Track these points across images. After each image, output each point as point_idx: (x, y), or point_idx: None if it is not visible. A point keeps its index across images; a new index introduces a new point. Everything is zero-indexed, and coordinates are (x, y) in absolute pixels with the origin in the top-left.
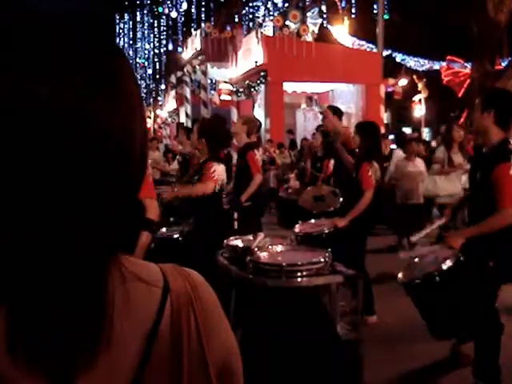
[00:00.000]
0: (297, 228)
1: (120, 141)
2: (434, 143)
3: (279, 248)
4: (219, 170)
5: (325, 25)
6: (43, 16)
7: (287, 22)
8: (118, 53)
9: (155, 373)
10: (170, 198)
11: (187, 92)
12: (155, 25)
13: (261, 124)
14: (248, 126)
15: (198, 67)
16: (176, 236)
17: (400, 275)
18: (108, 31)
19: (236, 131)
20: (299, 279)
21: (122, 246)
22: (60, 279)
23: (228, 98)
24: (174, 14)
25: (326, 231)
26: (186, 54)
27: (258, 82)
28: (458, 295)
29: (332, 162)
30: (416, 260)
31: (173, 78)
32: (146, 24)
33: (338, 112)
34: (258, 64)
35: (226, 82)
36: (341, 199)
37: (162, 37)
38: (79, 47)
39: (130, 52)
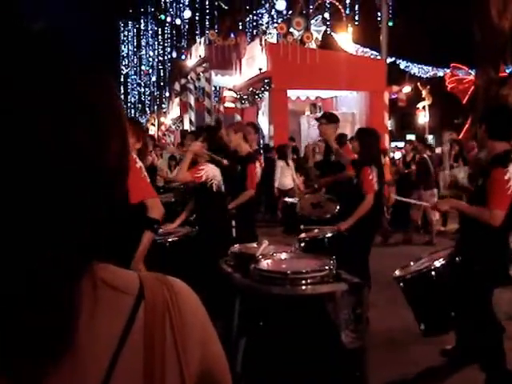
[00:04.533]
0: (302, 235)
1: (90, 154)
2: (438, 150)
3: (283, 256)
4: (209, 169)
5: (328, 32)
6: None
7: (291, 30)
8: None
9: (124, 379)
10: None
11: (191, 99)
12: (159, 32)
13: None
14: (242, 132)
15: (202, 74)
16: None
17: (396, 272)
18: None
19: (234, 143)
20: (304, 287)
21: (98, 253)
22: (29, 283)
23: (232, 105)
24: (178, 22)
25: (329, 235)
26: (190, 61)
27: (262, 89)
28: (446, 292)
29: None
30: (412, 263)
31: (177, 86)
32: (150, 31)
33: (333, 119)
34: (261, 71)
35: (229, 90)
36: (338, 206)
37: (166, 44)
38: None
39: (135, 59)
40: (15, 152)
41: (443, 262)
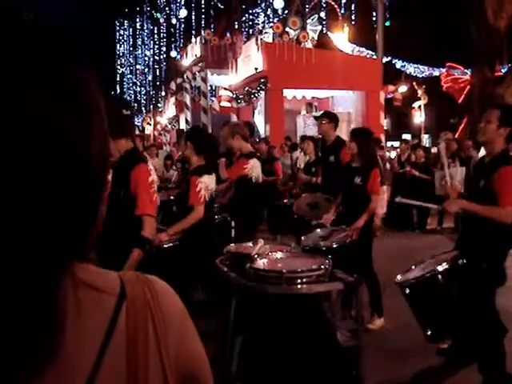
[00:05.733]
0: (304, 240)
1: (76, 148)
2: (433, 150)
3: (279, 255)
4: (207, 183)
5: (324, 31)
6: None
7: (287, 29)
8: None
9: (109, 378)
10: (165, 240)
11: (187, 99)
12: (155, 31)
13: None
14: (239, 134)
15: (197, 74)
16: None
17: (398, 277)
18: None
19: (236, 146)
20: (299, 286)
21: (79, 253)
22: (9, 286)
23: (228, 104)
24: (174, 21)
25: (335, 246)
26: (186, 60)
27: (258, 88)
28: (451, 296)
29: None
30: (413, 267)
31: (173, 85)
32: (146, 31)
33: (334, 119)
34: (257, 71)
35: (225, 89)
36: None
37: (161, 43)
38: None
39: (130, 58)
40: (10, 147)
41: (446, 267)
